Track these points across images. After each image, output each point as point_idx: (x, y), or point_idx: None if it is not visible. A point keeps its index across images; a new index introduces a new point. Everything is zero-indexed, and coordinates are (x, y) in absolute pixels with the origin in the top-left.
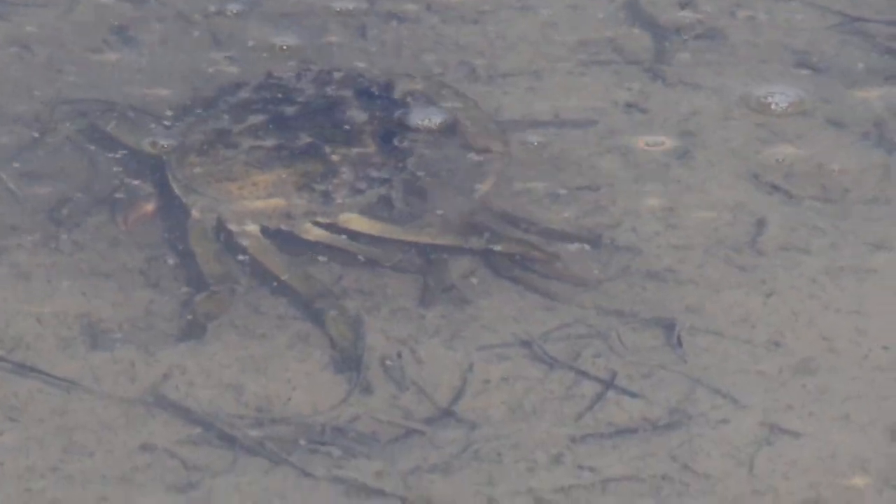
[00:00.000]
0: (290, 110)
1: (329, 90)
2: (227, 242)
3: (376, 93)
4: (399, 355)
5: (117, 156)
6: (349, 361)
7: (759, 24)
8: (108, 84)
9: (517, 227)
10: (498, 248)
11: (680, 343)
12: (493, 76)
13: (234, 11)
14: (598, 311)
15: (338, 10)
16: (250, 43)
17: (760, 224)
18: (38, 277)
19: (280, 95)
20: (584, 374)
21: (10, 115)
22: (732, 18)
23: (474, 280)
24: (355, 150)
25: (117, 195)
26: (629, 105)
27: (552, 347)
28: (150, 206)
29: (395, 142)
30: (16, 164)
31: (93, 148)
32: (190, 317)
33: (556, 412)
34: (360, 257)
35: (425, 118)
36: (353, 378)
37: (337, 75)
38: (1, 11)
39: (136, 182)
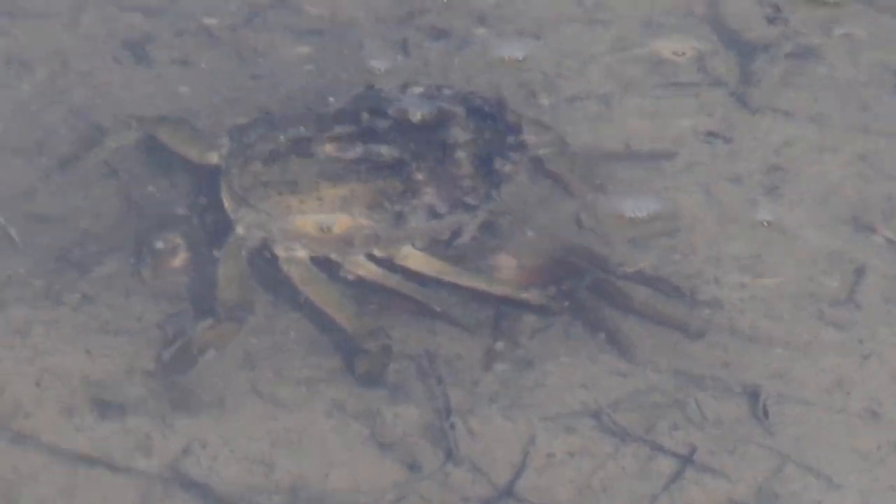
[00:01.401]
0: (383, 123)
1: (435, 105)
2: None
3: (488, 112)
4: (452, 426)
5: (151, 189)
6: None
7: (858, 42)
8: (120, 108)
9: (605, 269)
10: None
11: (766, 413)
12: (555, 101)
13: (260, 24)
14: (675, 375)
15: (374, 22)
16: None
17: (859, 273)
18: (38, 334)
19: (377, 107)
20: (659, 448)
21: (11, 146)
22: (828, 36)
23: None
24: (446, 171)
25: (144, 244)
26: (711, 134)
27: (624, 418)
28: (179, 259)
29: (497, 165)
30: (21, 205)
31: (120, 179)
32: (182, 344)
33: (630, 492)
34: (411, 305)
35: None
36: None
37: (447, 91)
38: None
39: (165, 232)
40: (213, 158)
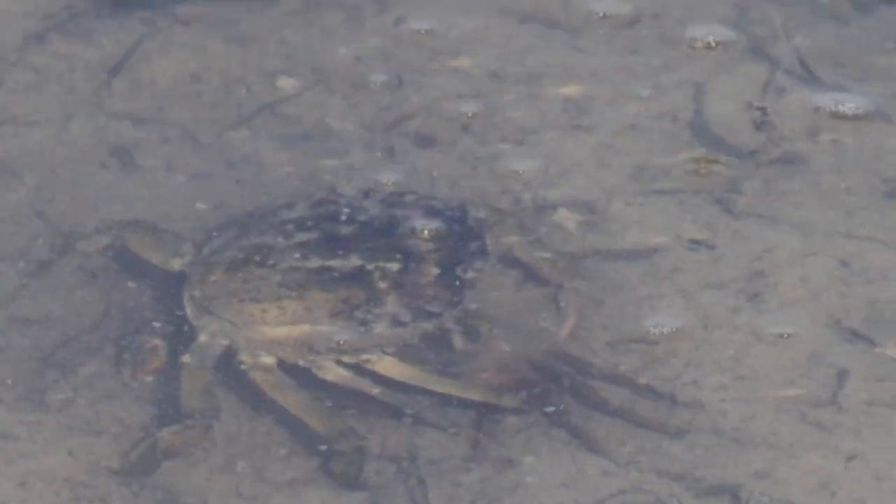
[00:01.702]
0: (345, 230)
1: (396, 211)
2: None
3: (449, 216)
4: None
5: (128, 291)
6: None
7: (844, 147)
8: (107, 214)
9: (585, 373)
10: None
11: None
12: (541, 207)
13: (244, 135)
14: (657, 475)
15: (359, 131)
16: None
17: (842, 376)
18: (21, 436)
19: (338, 213)
20: None
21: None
22: (814, 142)
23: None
24: (409, 278)
25: (124, 346)
26: (695, 241)
27: None
28: (158, 361)
29: (459, 272)
30: (2, 309)
31: (99, 281)
32: (147, 446)
33: None
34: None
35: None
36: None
37: (409, 198)
38: None
39: (145, 335)
40: (176, 265)
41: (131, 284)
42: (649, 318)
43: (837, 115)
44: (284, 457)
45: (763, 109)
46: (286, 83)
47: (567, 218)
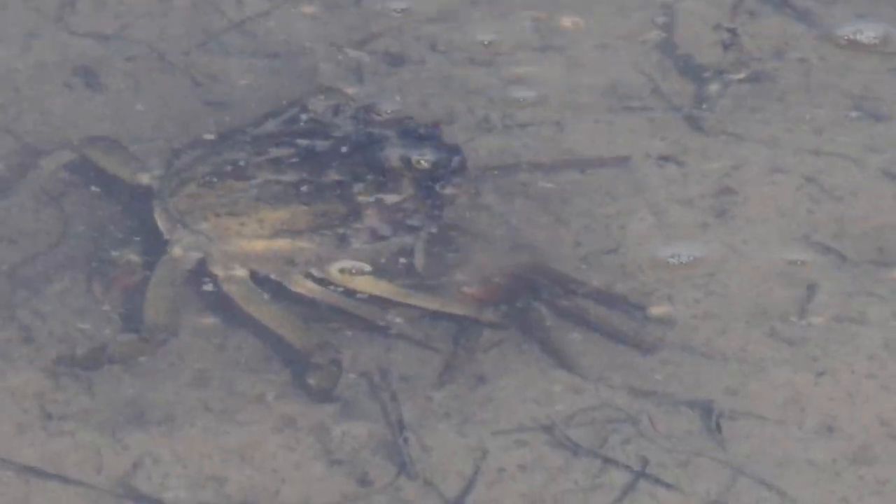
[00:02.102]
0: (322, 145)
1: (371, 128)
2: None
3: (424, 134)
4: (405, 440)
5: (96, 206)
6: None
7: (810, 66)
8: (72, 133)
9: (564, 286)
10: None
11: (719, 428)
12: (508, 126)
13: (214, 50)
14: (628, 391)
15: (329, 50)
16: (241, 83)
17: (811, 291)
18: None
19: (313, 129)
20: (612, 462)
21: None
22: (781, 60)
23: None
24: (387, 193)
25: (95, 263)
26: (663, 158)
27: (576, 433)
28: (133, 278)
29: (437, 188)
30: None
31: (67, 197)
32: (95, 348)
33: None
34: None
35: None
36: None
37: (383, 115)
38: None
39: (118, 251)
40: (144, 179)
41: (98, 200)
42: (619, 234)
43: (806, 35)
44: (254, 370)
45: (732, 30)
46: (254, 1)
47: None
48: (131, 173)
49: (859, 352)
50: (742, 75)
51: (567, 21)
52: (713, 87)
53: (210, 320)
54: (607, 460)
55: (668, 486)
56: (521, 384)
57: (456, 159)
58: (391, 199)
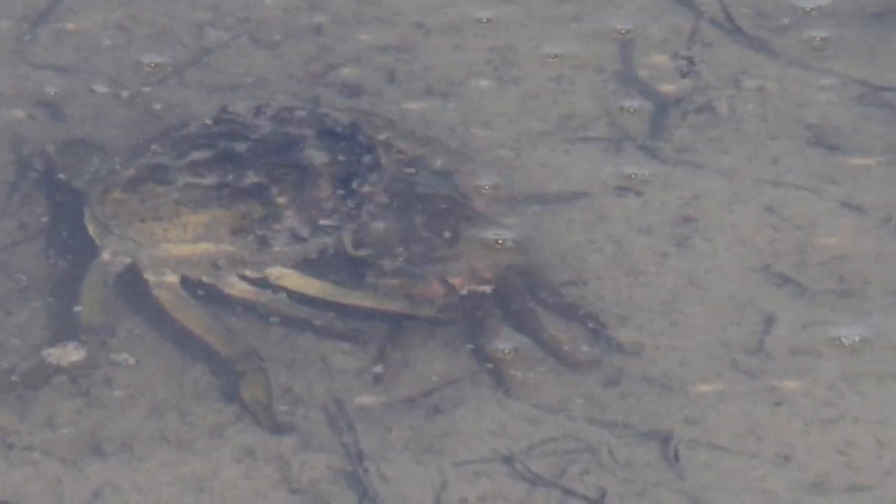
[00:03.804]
0: (240, 147)
1: (289, 128)
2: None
3: (341, 133)
4: (365, 470)
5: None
6: (266, 426)
7: (768, 94)
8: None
9: (535, 294)
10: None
11: (677, 458)
12: (464, 154)
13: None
14: (587, 422)
15: (287, 79)
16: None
17: (769, 322)
18: None
19: (233, 131)
20: (570, 492)
21: None
22: (738, 88)
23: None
24: (306, 193)
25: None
26: (621, 188)
27: (536, 464)
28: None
29: (355, 186)
30: None
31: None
32: (36, 362)
33: None
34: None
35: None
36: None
37: (299, 113)
38: None
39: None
40: (77, 184)
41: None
42: (580, 265)
43: (760, 65)
44: (211, 401)
45: (689, 59)
46: (213, 34)
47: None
48: (70, 177)
49: (817, 382)
50: (699, 104)
51: (523, 50)
52: (671, 116)
53: (166, 349)
54: (567, 491)
55: None
56: (477, 415)
57: (369, 157)
58: (308, 198)
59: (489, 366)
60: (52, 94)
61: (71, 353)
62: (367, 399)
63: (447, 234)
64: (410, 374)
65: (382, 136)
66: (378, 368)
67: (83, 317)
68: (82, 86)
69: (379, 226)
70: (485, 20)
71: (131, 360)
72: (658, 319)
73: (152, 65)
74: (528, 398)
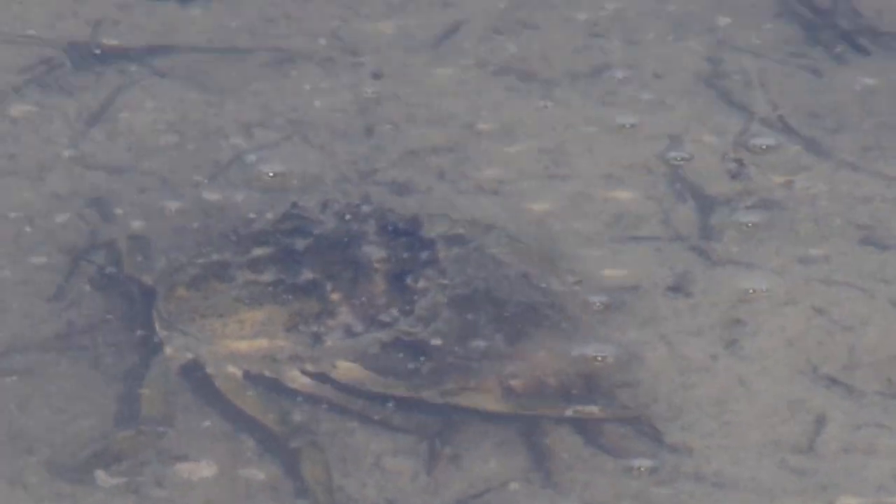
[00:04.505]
0: (300, 243)
1: (351, 224)
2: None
3: (401, 229)
4: None
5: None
6: None
7: (818, 195)
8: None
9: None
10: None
11: None
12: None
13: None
14: None
15: (338, 179)
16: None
17: (820, 422)
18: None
19: (297, 227)
20: None
21: None
22: (789, 190)
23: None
24: (361, 289)
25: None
26: (671, 288)
27: None
28: None
29: (409, 281)
30: None
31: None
32: (98, 449)
33: None
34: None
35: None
36: None
37: (364, 209)
38: None
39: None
40: (148, 281)
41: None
42: (631, 365)
43: (811, 166)
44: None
45: (739, 160)
46: (262, 134)
47: None
48: (139, 273)
49: (868, 482)
50: (749, 204)
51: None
52: (721, 217)
53: (220, 448)
54: None
55: None
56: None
57: (427, 253)
58: (363, 294)
59: (542, 462)
60: (104, 193)
61: (130, 440)
62: (418, 500)
63: (512, 334)
64: (462, 473)
65: (444, 228)
66: (430, 470)
67: (144, 408)
68: (133, 186)
69: (440, 321)
70: (535, 121)
71: (184, 457)
72: (709, 419)
73: (202, 164)
74: (579, 496)
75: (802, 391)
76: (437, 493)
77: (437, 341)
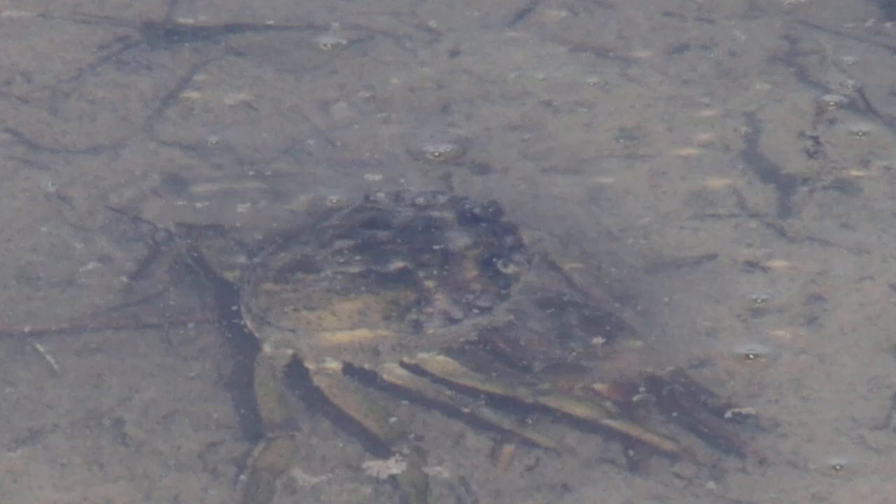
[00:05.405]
0: (382, 234)
1: (430, 213)
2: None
3: (481, 216)
4: None
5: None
6: None
7: (895, 173)
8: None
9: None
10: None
11: None
12: (596, 234)
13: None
14: (713, 499)
15: (425, 158)
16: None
17: None
18: (78, 465)
19: (374, 218)
20: None
21: (47, 279)
22: (866, 168)
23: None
24: (452, 276)
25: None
26: (750, 263)
27: None
28: None
29: (500, 266)
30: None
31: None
32: (250, 476)
33: None
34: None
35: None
36: None
37: (440, 198)
38: (41, 159)
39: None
40: (230, 277)
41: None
42: (709, 343)
43: (889, 144)
44: (342, 481)
45: (815, 138)
46: (340, 111)
47: None
48: (220, 269)
49: None
50: (827, 183)
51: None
52: (798, 195)
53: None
54: None
55: None
56: (605, 493)
57: (511, 238)
58: (456, 281)
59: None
60: (179, 171)
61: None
62: (493, 475)
63: (605, 338)
64: (539, 451)
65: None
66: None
67: (263, 414)
68: (208, 163)
69: (535, 320)
70: (612, 99)
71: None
72: (786, 397)
73: (278, 142)
74: (655, 475)
75: (881, 368)
76: (514, 470)
77: (531, 336)
